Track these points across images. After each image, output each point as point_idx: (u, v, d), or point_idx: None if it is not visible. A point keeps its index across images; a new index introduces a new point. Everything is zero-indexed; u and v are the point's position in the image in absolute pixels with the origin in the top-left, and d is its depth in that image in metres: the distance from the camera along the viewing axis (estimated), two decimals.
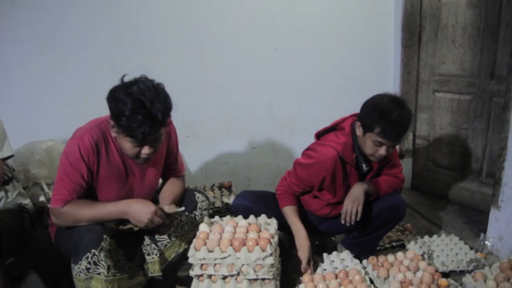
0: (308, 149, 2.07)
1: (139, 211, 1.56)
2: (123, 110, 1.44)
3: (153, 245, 1.81)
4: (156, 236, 1.83)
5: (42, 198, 2.29)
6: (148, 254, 1.81)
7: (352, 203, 1.94)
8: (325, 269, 2.01)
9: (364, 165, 2.04)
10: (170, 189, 1.87)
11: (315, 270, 2.02)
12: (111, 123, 1.56)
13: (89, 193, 1.67)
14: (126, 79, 1.54)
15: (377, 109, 1.81)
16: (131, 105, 1.44)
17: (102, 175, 1.65)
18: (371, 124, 1.81)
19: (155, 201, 1.79)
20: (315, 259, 2.10)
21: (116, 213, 1.60)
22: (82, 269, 1.51)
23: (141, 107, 1.45)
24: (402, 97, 1.92)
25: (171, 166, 1.92)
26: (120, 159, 1.69)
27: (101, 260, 1.52)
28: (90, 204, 1.60)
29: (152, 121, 1.47)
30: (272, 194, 2.17)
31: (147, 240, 1.81)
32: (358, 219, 1.95)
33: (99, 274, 1.53)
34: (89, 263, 1.51)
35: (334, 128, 2.08)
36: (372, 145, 1.85)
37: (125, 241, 1.73)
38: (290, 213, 2.03)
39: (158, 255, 1.81)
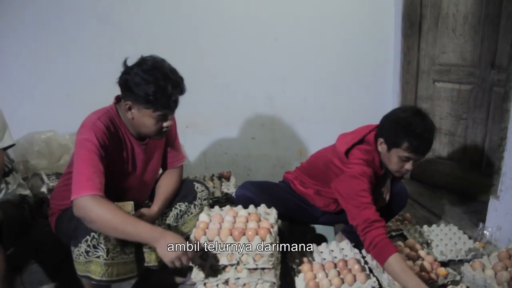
0: (338, 173, 1.93)
1: (169, 244, 1.45)
2: (149, 86, 1.49)
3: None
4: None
5: (43, 189, 2.30)
6: (146, 244, 1.80)
7: (385, 191, 2.06)
8: (324, 259, 2.02)
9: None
10: (165, 185, 1.88)
11: None
12: (127, 105, 1.58)
13: None
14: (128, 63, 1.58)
15: (402, 124, 1.76)
16: (156, 79, 1.50)
17: (111, 158, 1.65)
18: (397, 140, 1.77)
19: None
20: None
21: (148, 235, 1.47)
22: (82, 252, 1.51)
23: (166, 78, 1.52)
24: (422, 109, 1.87)
25: (170, 152, 1.94)
26: (128, 145, 1.70)
27: (101, 243, 1.51)
28: (126, 214, 1.49)
29: (178, 88, 1.57)
30: (275, 185, 2.16)
31: None
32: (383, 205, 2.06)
33: (98, 257, 1.52)
34: (88, 246, 1.50)
35: (360, 141, 1.95)
36: (398, 161, 1.82)
37: None
38: (401, 265, 1.62)
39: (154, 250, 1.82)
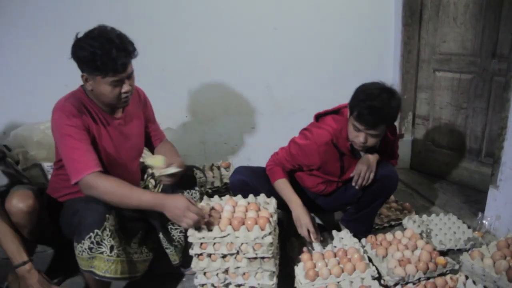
0: (305, 129, 2.07)
1: (174, 206, 1.56)
2: (95, 51, 1.50)
3: (167, 240, 1.87)
4: (172, 230, 1.88)
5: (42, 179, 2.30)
6: (167, 248, 1.87)
7: (366, 168, 1.98)
8: (324, 248, 2.02)
9: (362, 153, 2.03)
10: (169, 150, 1.94)
11: (324, 246, 2.05)
12: (84, 77, 1.60)
13: None
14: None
15: (362, 92, 1.79)
16: (100, 44, 1.50)
17: (93, 138, 1.66)
18: (352, 107, 1.80)
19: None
20: (324, 237, 2.13)
21: (152, 203, 1.59)
22: (85, 249, 1.52)
23: (111, 42, 1.52)
24: (397, 91, 1.84)
25: (154, 131, 1.99)
26: (102, 120, 1.70)
27: (104, 239, 1.53)
28: (129, 186, 1.59)
29: (125, 52, 1.55)
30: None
31: (162, 235, 1.87)
32: (367, 184, 2.01)
33: (101, 253, 1.54)
34: (92, 242, 1.51)
35: (335, 111, 2.04)
36: (352, 130, 1.84)
37: (126, 225, 1.72)
38: (283, 185, 2.01)
39: (175, 249, 1.88)
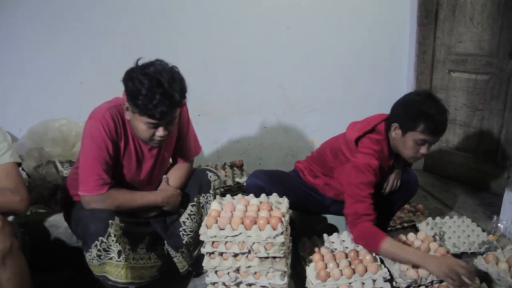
0: (344, 155, 1.96)
1: (167, 197, 1.77)
2: (140, 88, 1.44)
3: (173, 248, 1.87)
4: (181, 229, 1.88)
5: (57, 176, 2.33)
6: (174, 256, 1.88)
7: (395, 175, 2.03)
8: (335, 249, 2.01)
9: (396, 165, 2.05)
10: (175, 175, 1.89)
11: None
12: (125, 105, 1.56)
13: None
14: (140, 63, 1.54)
15: (417, 107, 1.77)
16: (149, 84, 1.44)
17: (117, 152, 1.66)
18: (413, 123, 1.77)
19: None
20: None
21: (153, 198, 1.74)
22: (94, 256, 1.54)
23: (158, 86, 1.45)
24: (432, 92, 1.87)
25: (180, 148, 1.91)
26: (135, 143, 1.69)
27: (111, 245, 1.55)
28: (130, 192, 1.69)
29: (170, 100, 1.48)
30: (285, 174, 2.16)
31: (167, 244, 1.88)
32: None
33: (111, 259, 1.56)
34: (99, 250, 1.53)
35: (370, 131, 1.94)
36: (414, 145, 1.80)
37: (132, 230, 1.71)
38: (395, 246, 1.72)
39: (182, 255, 1.88)
